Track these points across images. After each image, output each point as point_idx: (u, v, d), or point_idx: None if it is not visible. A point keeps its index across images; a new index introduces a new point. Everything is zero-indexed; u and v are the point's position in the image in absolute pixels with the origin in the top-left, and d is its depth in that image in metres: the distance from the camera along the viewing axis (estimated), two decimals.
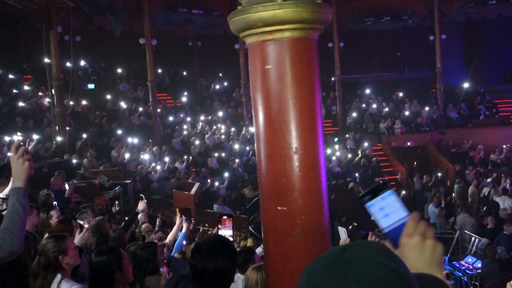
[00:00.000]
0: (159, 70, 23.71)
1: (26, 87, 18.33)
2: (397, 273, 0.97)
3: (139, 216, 8.38)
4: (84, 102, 19.05)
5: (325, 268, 0.98)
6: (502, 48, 25.33)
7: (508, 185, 15.76)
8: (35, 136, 13.38)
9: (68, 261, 3.30)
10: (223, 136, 19.38)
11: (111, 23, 18.32)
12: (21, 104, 16.34)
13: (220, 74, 25.94)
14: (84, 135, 16.15)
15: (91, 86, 21.44)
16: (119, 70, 23.26)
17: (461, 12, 22.42)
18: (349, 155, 19.54)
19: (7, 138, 13.24)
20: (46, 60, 15.23)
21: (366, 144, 20.00)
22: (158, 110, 19.39)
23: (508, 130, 21.25)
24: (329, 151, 18.94)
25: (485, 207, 14.32)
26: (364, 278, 0.94)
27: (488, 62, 25.80)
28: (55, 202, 6.96)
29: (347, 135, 21.27)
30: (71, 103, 16.89)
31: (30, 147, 11.40)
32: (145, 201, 7.95)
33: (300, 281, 1.03)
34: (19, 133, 13.53)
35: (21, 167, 2.38)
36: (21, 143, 2.49)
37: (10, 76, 18.96)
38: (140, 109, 19.92)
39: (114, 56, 23.11)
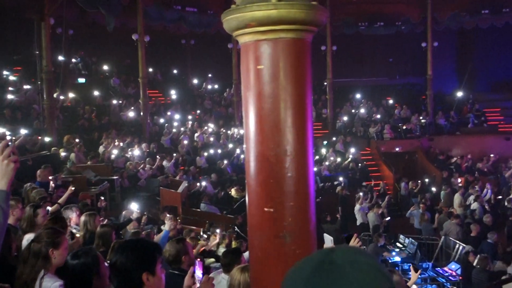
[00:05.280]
0: (151, 68, 23.59)
1: (13, 78, 18.12)
2: (381, 272, 1.04)
3: (124, 212, 8.34)
4: (73, 95, 18.89)
5: (313, 269, 1.02)
6: (492, 58, 25.55)
7: (490, 192, 16.04)
8: (23, 131, 13.26)
9: (56, 257, 3.26)
10: (212, 136, 19.33)
11: (104, 18, 18.19)
12: (9, 96, 16.16)
13: (212, 73, 25.88)
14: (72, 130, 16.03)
15: (81, 80, 21.28)
16: (111, 65, 23.11)
17: (454, 20, 22.59)
18: (338, 159, 19.57)
19: None
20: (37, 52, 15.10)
21: (353, 150, 19.93)
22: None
23: (496, 139, 21.44)
24: (318, 154, 18.97)
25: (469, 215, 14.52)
26: (354, 276, 1.00)
27: (479, 71, 25.99)
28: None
29: (334, 138, 21.32)
30: (61, 97, 16.73)
31: (16, 142, 11.27)
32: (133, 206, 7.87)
33: (287, 280, 1.07)
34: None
35: (6, 169, 2.10)
36: (9, 143, 2.24)
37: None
38: (127, 105, 19.77)
39: (106, 51, 22.95)
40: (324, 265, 1.02)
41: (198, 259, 2.83)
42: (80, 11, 18.02)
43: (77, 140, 15.09)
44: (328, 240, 4.11)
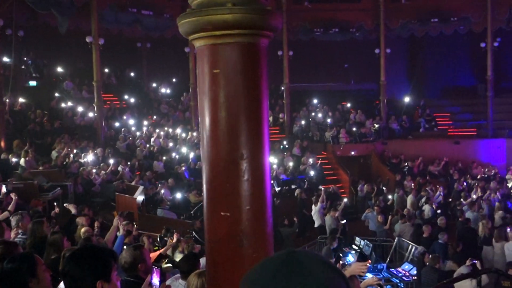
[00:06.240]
0: (106, 70, 23.12)
1: None
2: (337, 271, 1.12)
3: (78, 219, 8.14)
4: (23, 100, 18.27)
5: (278, 267, 1.07)
6: (441, 64, 26.48)
7: (441, 194, 16.60)
8: None
9: None
10: (169, 140, 19.12)
11: (57, 19, 17.69)
12: None
13: (169, 77, 25.63)
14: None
15: (32, 83, 20.62)
16: (63, 68, 22.50)
17: (405, 28, 23.30)
18: (290, 163, 19.64)
19: None
20: None
21: (311, 160, 20.00)
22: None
23: (446, 143, 22.21)
24: (275, 158, 19.07)
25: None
26: (315, 274, 1.07)
27: (429, 77, 26.90)
28: None
29: (285, 142, 21.52)
30: (7, 100, 16.13)
31: None
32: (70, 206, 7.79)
33: (248, 279, 1.09)
34: None
35: None
36: None
37: None
38: (80, 109, 19.31)
39: (58, 53, 22.32)
40: (290, 263, 1.07)
41: (155, 267, 2.81)
42: (31, 12, 17.46)
43: (27, 145, 14.59)
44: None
